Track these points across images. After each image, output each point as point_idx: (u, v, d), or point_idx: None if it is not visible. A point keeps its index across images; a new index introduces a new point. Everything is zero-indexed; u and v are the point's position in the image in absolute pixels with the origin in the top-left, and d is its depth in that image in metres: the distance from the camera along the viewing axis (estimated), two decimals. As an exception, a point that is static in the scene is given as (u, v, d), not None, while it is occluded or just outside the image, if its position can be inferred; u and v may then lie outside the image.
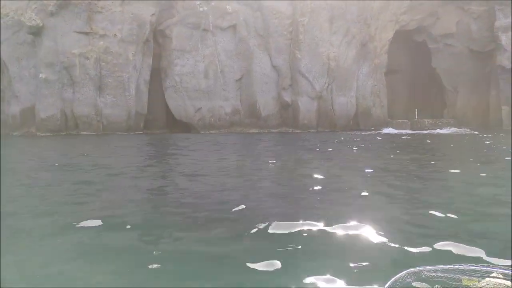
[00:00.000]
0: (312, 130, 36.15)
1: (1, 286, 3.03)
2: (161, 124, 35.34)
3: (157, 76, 33.90)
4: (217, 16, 34.25)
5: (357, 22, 38.85)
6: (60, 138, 23.99)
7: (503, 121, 35.83)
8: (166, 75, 33.70)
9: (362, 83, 40.61)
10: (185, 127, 34.41)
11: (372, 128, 37.89)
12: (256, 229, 4.29)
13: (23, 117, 29.17)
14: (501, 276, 1.96)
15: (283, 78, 36.53)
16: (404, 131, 34.13)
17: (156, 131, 34.17)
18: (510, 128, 34.07)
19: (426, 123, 37.69)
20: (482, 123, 39.43)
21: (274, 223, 4.52)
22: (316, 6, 36.15)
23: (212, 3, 34.29)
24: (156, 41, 33.83)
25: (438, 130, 33.55)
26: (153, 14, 31.97)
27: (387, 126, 38.95)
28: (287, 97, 36.64)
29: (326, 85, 37.59)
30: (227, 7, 34.59)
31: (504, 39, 35.56)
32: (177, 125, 34.53)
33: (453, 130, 32.65)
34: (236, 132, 34.35)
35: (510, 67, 35.28)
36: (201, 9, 33.76)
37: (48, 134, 27.57)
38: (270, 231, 4.26)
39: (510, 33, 35.42)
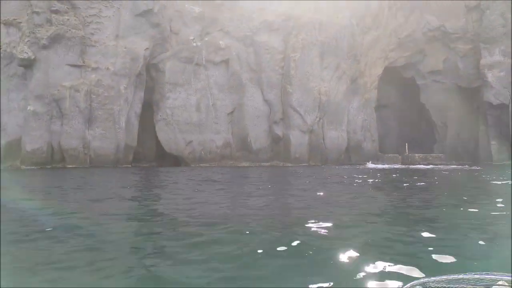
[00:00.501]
0: (304, 164, 35.96)
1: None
2: (151, 157, 34.87)
3: (148, 109, 33.79)
4: (210, 51, 34.76)
5: (347, 58, 39.76)
6: (42, 172, 23.32)
7: (493, 156, 36.13)
8: (158, 108, 33.62)
9: (353, 117, 41.05)
10: (175, 160, 33.96)
11: (362, 163, 37.78)
12: None
13: (9, 150, 28.52)
14: (507, 284, 1.93)
15: (274, 112, 36.72)
16: (395, 166, 34.05)
17: (145, 164, 33.63)
18: (499, 163, 34.27)
19: (417, 157, 37.83)
20: (472, 158, 39.71)
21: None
22: (307, 42, 37.00)
23: (206, 39, 34.89)
24: (149, 74, 33.98)
25: (449, 166, 32.98)
26: (146, 49, 32.27)
27: (377, 160, 38.96)
28: (279, 131, 36.68)
29: (317, 119, 37.84)
30: (220, 42, 35.19)
31: (490, 76, 36.54)
32: (167, 158, 34.07)
33: (458, 166, 32.24)
34: (227, 165, 33.96)
35: (497, 103, 36.04)
36: (194, 44, 34.27)
37: (33, 167, 26.86)
38: None
39: (496, 70, 36.44)
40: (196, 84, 34.33)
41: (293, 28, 37.13)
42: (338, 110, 39.33)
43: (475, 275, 2.05)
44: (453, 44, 41.85)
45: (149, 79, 33.82)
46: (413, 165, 34.90)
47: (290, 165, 35.11)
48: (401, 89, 47.99)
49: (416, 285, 2.18)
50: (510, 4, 36.43)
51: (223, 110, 35.29)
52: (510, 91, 35.71)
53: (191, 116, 33.96)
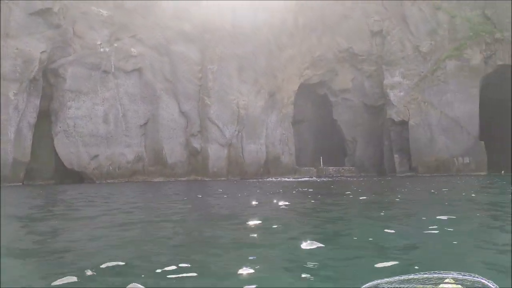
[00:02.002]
0: (223, 178, 34.94)
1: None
2: (48, 173, 30.60)
3: (45, 119, 29.84)
4: (120, 58, 32.23)
5: (265, 73, 40.22)
6: None
7: (396, 168, 39.11)
8: (57, 118, 29.85)
9: (271, 131, 41.40)
10: (78, 176, 30.31)
11: (280, 176, 38.04)
12: None
13: None
14: (453, 281, 2.10)
15: (191, 124, 35.28)
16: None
17: (40, 182, 29.36)
18: (401, 174, 37.21)
19: (330, 170, 39.40)
20: (378, 170, 42.64)
21: None
22: (225, 55, 36.59)
23: (115, 45, 32.31)
24: (47, 80, 30.17)
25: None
26: (43, 51, 28.62)
27: (295, 173, 39.65)
28: (196, 144, 35.25)
29: (236, 132, 37.33)
30: (132, 49, 32.91)
31: (392, 95, 39.85)
32: (68, 175, 30.24)
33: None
34: (139, 181, 31.35)
35: (398, 120, 39.33)
36: (101, 49, 31.46)
37: None
38: None
39: (396, 90, 39.91)
40: (104, 93, 31.39)
41: (211, 40, 36.47)
42: (257, 123, 39.32)
43: (424, 275, 2.16)
44: (360, 65, 45.13)
45: (47, 86, 30.01)
46: (327, 177, 36.12)
47: (208, 179, 33.77)
48: (316, 105, 50.13)
49: (369, 286, 2.24)
50: (407, 31, 40.55)
51: (134, 121, 32.76)
52: (409, 109, 39.32)
53: (98, 128, 30.80)
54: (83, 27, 31.25)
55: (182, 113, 34.88)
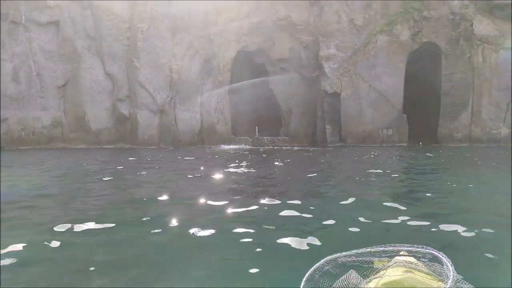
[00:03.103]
0: (154, 147, 33.29)
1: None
2: None
3: None
4: (32, 8, 28.21)
5: (200, 37, 38.24)
6: None
7: (328, 139, 40.46)
8: (-47, 74, 25.61)
9: (207, 99, 40.08)
10: (-17, 142, 26.71)
11: (215, 145, 37.38)
12: None
13: None
14: (407, 254, 2.27)
15: (119, 87, 32.66)
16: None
17: None
18: (332, 145, 38.64)
19: (265, 140, 39.61)
20: (311, 140, 43.82)
21: None
22: (157, 13, 33.94)
23: (26, -8, 28.13)
24: None
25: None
26: None
27: (230, 142, 39.24)
28: (124, 110, 32.88)
29: (169, 98, 35.45)
30: (47, 0, 28.95)
31: (326, 67, 40.50)
32: (-31, 140, 26.52)
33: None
34: (58, 148, 28.57)
35: (331, 91, 40.31)
36: (9, -4, 27.21)
37: None
38: None
39: (331, 62, 40.60)
40: (13, 48, 27.46)
41: (141, -4, 33.42)
42: (191, 90, 37.69)
43: (380, 248, 2.32)
44: (298, 34, 44.87)
45: None
46: (262, 146, 36.26)
47: (137, 147, 31.96)
48: (253, 74, 49.35)
49: (329, 260, 2.34)
50: (344, 3, 40.91)
51: (51, 82, 29.37)
52: (341, 82, 40.40)
53: (6, 88, 27.09)
54: (-16, -33, 26.59)
55: (108, 75, 32.05)
